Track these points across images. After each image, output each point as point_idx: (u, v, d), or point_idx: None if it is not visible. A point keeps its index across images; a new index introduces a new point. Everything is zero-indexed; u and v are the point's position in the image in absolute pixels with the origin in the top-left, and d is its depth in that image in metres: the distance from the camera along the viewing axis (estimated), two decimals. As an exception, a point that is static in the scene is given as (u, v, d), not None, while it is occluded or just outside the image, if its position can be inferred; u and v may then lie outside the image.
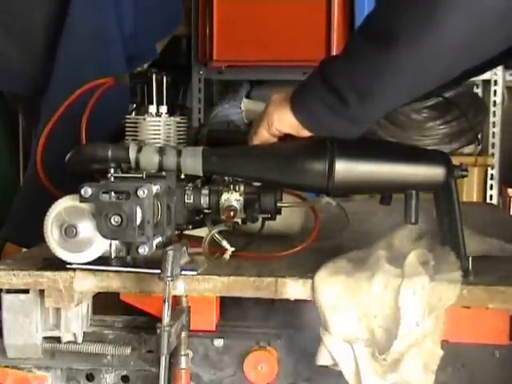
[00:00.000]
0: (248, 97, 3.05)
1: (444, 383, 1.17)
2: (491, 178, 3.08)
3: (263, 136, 1.22)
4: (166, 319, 1.06)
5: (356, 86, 1.11)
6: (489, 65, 1.18)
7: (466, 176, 1.19)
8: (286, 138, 1.22)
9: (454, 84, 1.24)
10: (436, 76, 1.11)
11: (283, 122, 1.19)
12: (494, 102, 3.07)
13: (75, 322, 1.22)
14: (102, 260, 1.16)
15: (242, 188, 1.23)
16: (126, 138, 1.26)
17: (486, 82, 3.15)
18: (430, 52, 1.05)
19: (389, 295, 1.10)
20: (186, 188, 1.23)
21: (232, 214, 1.21)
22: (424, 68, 1.08)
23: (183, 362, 1.21)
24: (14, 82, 2.05)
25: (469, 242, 1.21)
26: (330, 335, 1.12)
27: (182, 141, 1.29)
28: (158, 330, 1.06)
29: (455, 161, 1.20)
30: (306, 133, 1.19)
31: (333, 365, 1.13)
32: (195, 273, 1.16)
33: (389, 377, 1.09)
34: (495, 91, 3.06)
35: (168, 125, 1.27)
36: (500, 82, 3.05)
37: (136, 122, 1.26)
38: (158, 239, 1.15)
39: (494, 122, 3.07)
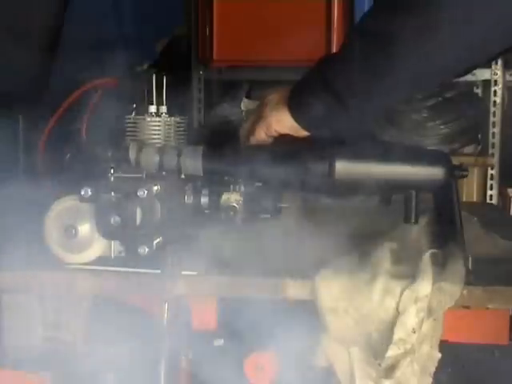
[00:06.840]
0: (248, 97, 3.04)
1: (444, 383, 1.17)
2: (491, 178, 3.07)
3: (260, 137, 1.23)
4: (166, 319, 1.06)
5: (354, 86, 1.11)
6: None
7: (466, 176, 1.19)
8: (282, 137, 1.22)
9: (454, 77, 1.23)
10: (433, 76, 1.11)
11: (281, 123, 1.19)
12: (494, 102, 3.06)
13: (75, 321, 1.22)
14: (102, 260, 1.16)
15: (241, 188, 1.23)
16: (126, 137, 1.26)
17: (486, 82, 3.14)
18: (429, 52, 1.05)
19: (389, 300, 1.09)
20: (186, 188, 1.23)
21: (232, 214, 1.21)
22: (422, 68, 1.08)
23: (183, 362, 1.21)
24: (14, 82, 2.05)
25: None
26: (327, 336, 1.12)
27: (182, 141, 1.29)
28: (158, 330, 1.06)
29: (455, 161, 1.20)
30: (304, 133, 1.19)
31: (329, 366, 1.13)
32: (195, 273, 1.16)
33: (383, 382, 1.09)
34: (495, 91, 3.05)
35: (168, 125, 1.27)
36: (500, 82, 3.04)
37: (136, 122, 1.26)
38: (158, 239, 1.15)
39: (493, 122, 3.06)
